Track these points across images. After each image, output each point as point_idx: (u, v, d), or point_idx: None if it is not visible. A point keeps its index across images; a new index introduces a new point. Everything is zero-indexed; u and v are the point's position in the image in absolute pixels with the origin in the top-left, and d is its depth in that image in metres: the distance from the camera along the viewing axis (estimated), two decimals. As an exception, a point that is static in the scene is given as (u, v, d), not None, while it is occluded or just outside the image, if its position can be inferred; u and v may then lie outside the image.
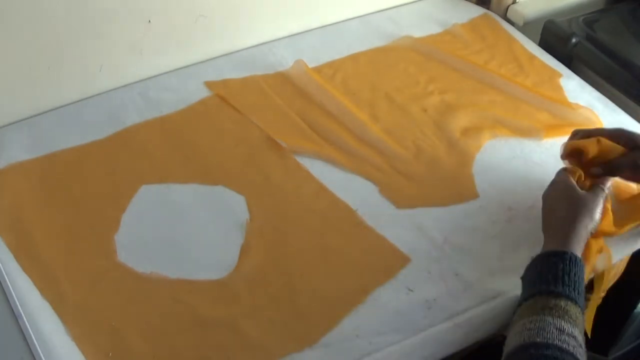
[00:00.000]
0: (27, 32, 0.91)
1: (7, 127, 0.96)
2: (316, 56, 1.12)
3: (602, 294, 0.85)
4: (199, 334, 0.72)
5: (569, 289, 0.67)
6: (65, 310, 0.73)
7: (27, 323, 0.70)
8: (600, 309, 1.06)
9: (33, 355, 0.68)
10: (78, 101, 1.02)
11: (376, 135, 0.97)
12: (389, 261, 0.80)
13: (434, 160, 0.94)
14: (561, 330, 0.62)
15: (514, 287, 0.78)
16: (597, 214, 0.77)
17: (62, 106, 1.00)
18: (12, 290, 0.74)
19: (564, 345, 0.61)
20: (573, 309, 0.65)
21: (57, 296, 0.75)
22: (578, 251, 0.72)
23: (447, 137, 0.98)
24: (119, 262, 0.79)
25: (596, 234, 0.80)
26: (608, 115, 1.04)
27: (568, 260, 0.69)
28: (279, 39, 1.17)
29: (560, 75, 1.12)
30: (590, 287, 0.98)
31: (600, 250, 0.81)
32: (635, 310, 1.19)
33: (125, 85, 1.05)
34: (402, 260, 0.80)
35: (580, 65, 1.16)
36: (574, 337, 0.63)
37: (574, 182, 0.79)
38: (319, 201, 0.88)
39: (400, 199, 0.88)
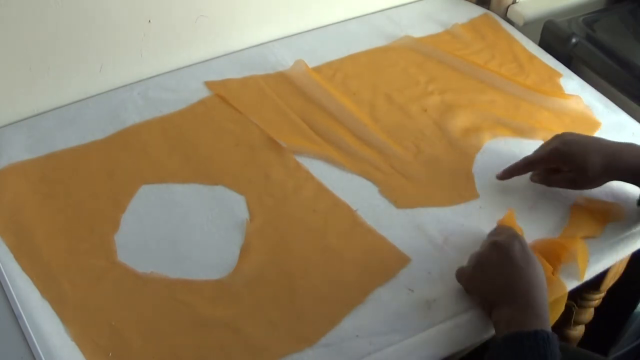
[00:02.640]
0: (27, 32, 0.91)
1: (7, 127, 0.96)
2: (316, 56, 1.12)
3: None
4: (199, 334, 0.72)
5: None
6: (65, 310, 0.73)
7: (27, 323, 0.70)
8: (600, 309, 1.06)
9: (33, 355, 0.68)
10: (78, 101, 1.01)
11: (376, 135, 0.97)
12: (389, 261, 0.80)
13: (434, 160, 0.94)
14: None
15: (514, 287, 0.78)
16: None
17: (62, 106, 1.00)
18: (12, 290, 0.74)
19: None
20: None
21: (57, 296, 0.75)
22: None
23: (447, 137, 0.98)
24: (119, 262, 0.79)
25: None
26: (608, 115, 1.04)
27: (554, 342, 0.65)
28: (279, 39, 1.17)
29: (560, 75, 1.12)
30: (591, 287, 0.99)
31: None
32: (635, 310, 1.19)
33: (125, 85, 1.05)
34: (402, 260, 0.80)
35: (580, 65, 1.16)
36: None
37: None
38: (319, 201, 0.88)
39: (400, 199, 0.88)
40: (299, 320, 0.73)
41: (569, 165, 0.82)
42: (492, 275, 0.71)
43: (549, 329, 0.66)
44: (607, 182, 0.84)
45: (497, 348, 0.65)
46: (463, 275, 0.76)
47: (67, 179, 0.89)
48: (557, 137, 0.85)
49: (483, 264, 0.73)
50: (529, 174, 0.90)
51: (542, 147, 0.87)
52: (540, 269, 0.72)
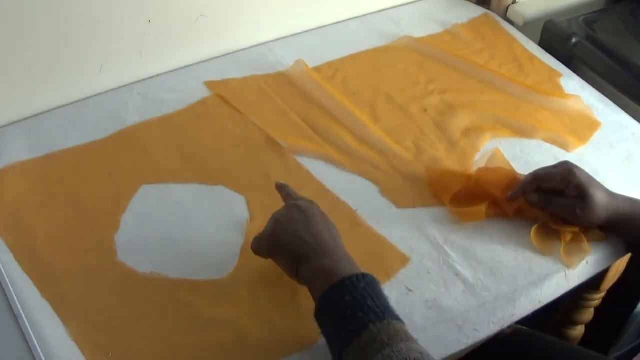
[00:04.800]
0: (27, 32, 0.91)
1: (7, 127, 0.96)
2: (316, 56, 1.12)
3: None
4: (199, 334, 0.72)
5: (385, 309, 0.62)
6: (65, 310, 0.73)
7: (27, 323, 0.70)
8: (600, 309, 1.06)
9: (33, 355, 0.68)
10: (78, 101, 1.01)
11: (376, 135, 0.97)
12: (389, 261, 0.80)
13: (434, 160, 0.94)
14: (421, 353, 0.58)
15: (514, 287, 0.78)
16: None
17: (62, 106, 1.00)
18: (12, 290, 0.74)
19: None
20: (402, 326, 0.61)
21: (57, 296, 0.75)
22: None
23: (447, 137, 0.98)
24: (119, 262, 0.79)
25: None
26: (608, 115, 1.04)
27: (370, 281, 0.64)
28: (279, 39, 1.17)
29: (560, 75, 1.12)
30: (591, 287, 0.99)
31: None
32: (635, 310, 1.19)
33: (125, 85, 1.05)
34: (402, 260, 0.80)
35: (580, 65, 1.17)
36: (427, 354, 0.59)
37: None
38: (319, 201, 0.87)
39: (400, 199, 0.88)
40: (299, 320, 0.73)
41: (574, 189, 0.79)
42: (297, 231, 0.70)
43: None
44: (602, 223, 0.81)
45: (328, 295, 0.63)
46: (262, 240, 0.73)
47: (67, 179, 0.89)
48: (567, 162, 0.83)
49: (285, 223, 0.72)
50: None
51: (551, 166, 0.83)
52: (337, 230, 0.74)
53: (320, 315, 0.64)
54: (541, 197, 0.82)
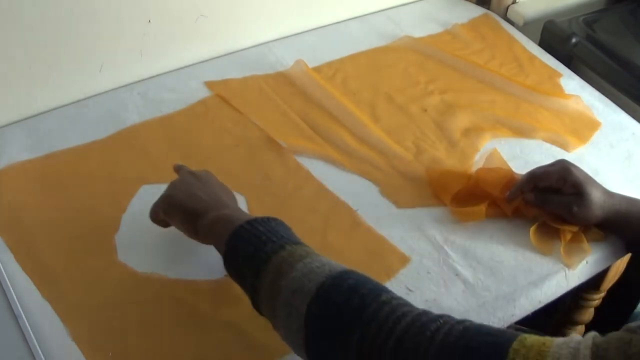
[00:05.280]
0: (27, 32, 0.91)
1: (7, 127, 0.96)
2: (316, 56, 1.12)
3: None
4: (199, 334, 0.72)
5: (299, 240, 0.64)
6: (65, 310, 0.73)
7: (27, 323, 0.70)
8: (600, 309, 1.06)
9: (33, 355, 0.68)
10: (78, 101, 1.01)
11: (376, 135, 0.97)
12: (389, 261, 0.80)
13: (434, 160, 0.94)
14: (339, 264, 0.59)
15: (514, 287, 0.78)
16: None
17: (62, 106, 1.00)
18: (12, 290, 0.74)
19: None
20: (312, 250, 0.62)
21: (57, 296, 0.74)
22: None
23: (447, 137, 0.98)
24: (119, 262, 0.79)
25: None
26: (608, 115, 1.04)
27: (280, 222, 0.66)
28: (279, 39, 1.17)
29: (560, 75, 1.12)
30: (591, 287, 0.99)
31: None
32: (635, 310, 1.19)
33: (125, 85, 1.05)
34: (402, 260, 0.80)
35: (580, 65, 1.17)
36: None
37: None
38: (319, 201, 0.88)
39: (400, 199, 0.88)
40: (299, 320, 0.73)
41: (571, 187, 0.79)
42: (192, 190, 0.71)
43: None
44: (600, 221, 0.81)
45: (240, 230, 0.63)
46: (157, 204, 0.74)
47: (67, 179, 0.89)
48: (564, 160, 0.83)
49: (180, 184, 0.73)
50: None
51: (547, 164, 0.83)
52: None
53: (232, 250, 0.63)
54: (538, 196, 0.82)
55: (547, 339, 0.49)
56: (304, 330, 0.56)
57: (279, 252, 0.60)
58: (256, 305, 0.63)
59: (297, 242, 0.63)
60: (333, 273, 0.57)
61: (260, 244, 0.61)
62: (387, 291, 0.56)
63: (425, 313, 0.54)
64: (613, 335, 0.48)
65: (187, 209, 0.70)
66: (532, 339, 0.49)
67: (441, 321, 0.53)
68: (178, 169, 0.81)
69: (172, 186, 0.74)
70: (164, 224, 0.76)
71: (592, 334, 0.49)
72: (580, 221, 0.81)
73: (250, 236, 0.62)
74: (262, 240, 0.61)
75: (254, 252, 0.61)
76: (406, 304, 0.56)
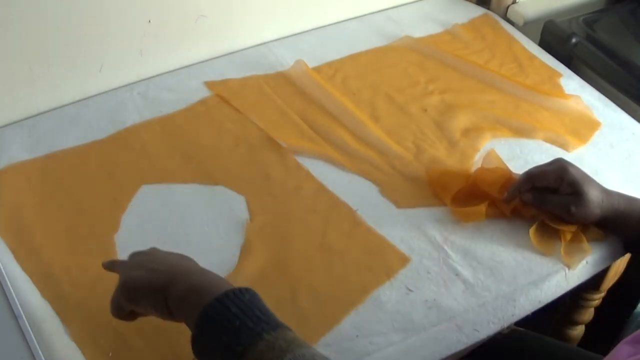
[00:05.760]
0: (27, 32, 0.91)
1: (7, 127, 0.96)
2: (316, 56, 1.12)
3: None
4: (199, 334, 0.72)
5: (275, 320, 0.56)
6: (65, 310, 0.73)
7: (27, 323, 0.70)
8: (600, 309, 1.06)
9: (33, 355, 0.68)
10: (78, 101, 1.01)
11: (376, 135, 0.97)
12: (389, 261, 0.80)
13: (434, 160, 0.94)
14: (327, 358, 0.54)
15: (514, 287, 0.78)
16: None
17: (62, 106, 1.00)
18: (12, 290, 0.74)
19: None
20: (296, 335, 0.56)
21: (57, 296, 0.75)
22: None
23: (447, 137, 0.98)
24: (119, 262, 0.79)
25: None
26: (608, 115, 1.04)
27: (253, 294, 0.58)
28: (279, 39, 1.17)
29: (560, 75, 1.12)
30: (591, 287, 0.99)
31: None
32: (635, 310, 1.19)
33: (125, 85, 1.05)
34: (402, 260, 0.80)
35: (580, 65, 1.16)
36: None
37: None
38: (319, 201, 0.88)
39: (400, 199, 0.88)
40: (299, 320, 0.73)
41: (568, 186, 0.79)
42: (149, 265, 0.62)
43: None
44: (598, 220, 0.80)
45: (211, 310, 0.56)
46: (115, 296, 0.64)
47: (67, 179, 0.89)
48: (561, 159, 0.82)
49: (131, 268, 0.63)
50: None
51: (544, 164, 0.83)
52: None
53: (202, 333, 0.56)
54: (535, 196, 0.82)
55: None
56: None
57: (256, 343, 0.53)
58: None
59: (275, 327, 0.55)
60: None
61: (234, 331, 0.54)
62: None
63: None
64: None
65: (150, 285, 0.60)
66: None
67: None
68: (113, 263, 0.70)
69: (124, 271, 0.64)
70: (131, 316, 0.65)
71: None
72: (578, 220, 0.81)
73: (222, 320, 0.55)
74: (236, 326, 0.54)
75: (227, 341, 0.54)
76: None
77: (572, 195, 0.79)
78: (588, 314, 1.05)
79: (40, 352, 0.68)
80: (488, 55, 1.16)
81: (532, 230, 0.82)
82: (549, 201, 0.81)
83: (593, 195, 0.78)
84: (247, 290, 0.58)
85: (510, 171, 0.86)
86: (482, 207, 0.84)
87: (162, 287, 0.59)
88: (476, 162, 0.93)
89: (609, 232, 0.83)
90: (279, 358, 0.52)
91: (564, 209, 0.80)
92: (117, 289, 0.64)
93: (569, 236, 0.81)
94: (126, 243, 0.81)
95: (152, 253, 0.66)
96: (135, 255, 0.67)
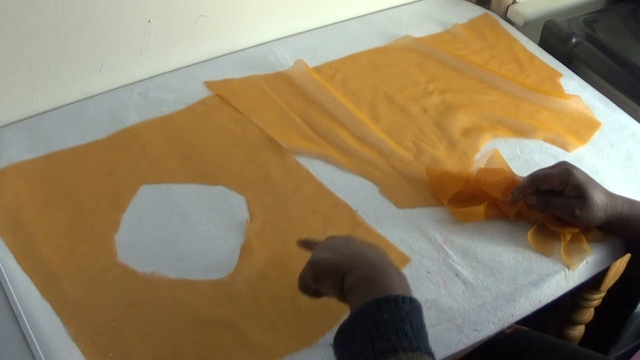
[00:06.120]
0: (27, 32, 0.91)
1: (7, 127, 0.96)
2: (316, 56, 1.12)
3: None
4: (199, 334, 0.72)
5: (421, 341, 0.56)
6: (65, 310, 0.73)
7: (27, 323, 0.70)
8: (600, 309, 1.06)
9: (33, 355, 0.68)
10: (78, 101, 1.01)
11: (376, 135, 0.97)
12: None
13: (434, 160, 0.94)
14: None
15: (514, 287, 0.78)
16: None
17: (62, 106, 1.00)
18: (12, 290, 0.74)
19: None
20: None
21: (57, 296, 0.75)
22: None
23: (447, 137, 0.98)
24: (119, 262, 0.79)
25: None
26: (608, 115, 1.04)
27: (415, 307, 0.59)
28: (279, 39, 1.17)
29: (560, 75, 1.12)
30: (591, 287, 0.99)
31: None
32: (635, 310, 1.20)
33: (125, 85, 1.05)
34: (402, 260, 0.80)
35: (580, 65, 1.17)
36: None
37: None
38: (319, 201, 0.88)
39: (400, 199, 0.88)
40: (299, 320, 0.73)
41: (573, 190, 0.78)
42: (338, 249, 0.66)
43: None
44: (602, 223, 0.80)
45: (367, 308, 0.57)
46: (304, 272, 0.68)
47: (67, 179, 0.89)
48: (565, 162, 0.82)
49: (324, 248, 0.68)
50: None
51: (549, 167, 0.83)
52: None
53: (349, 325, 0.58)
54: (540, 199, 0.82)
55: None
56: None
57: (388, 357, 0.53)
58: None
59: (416, 348, 0.55)
60: None
61: (375, 337, 0.55)
62: None
63: None
64: None
65: (333, 267, 0.64)
66: None
67: None
68: (309, 242, 0.74)
69: (317, 252, 0.68)
70: (315, 293, 0.68)
71: None
72: (582, 224, 0.81)
73: (371, 323, 0.56)
74: (380, 333, 0.55)
75: (364, 343, 0.55)
76: None
77: (576, 198, 0.79)
78: (588, 314, 1.05)
79: (40, 352, 0.68)
80: (488, 55, 1.16)
81: (530, 233, 0.82)
82: (554, 204, 0.81)
83: (598, 198, 0.78)
84: (411, 301, 0.58)
85: (513, 173, 0.86)
86: (481, 207, 0.84)
87: (343, 271, 0.62)
88: (477, 161, 0.93)
89: (612, 235, 0.83)
90: None
91: (568, 212, 0.80)
92: (306, 266, 0.67)
93: (569, 237, 0.81)
94: (126, 243, 0.81)
95: (347, 239, 0.70)
96: (330, 239, 0.71)
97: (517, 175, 0.85)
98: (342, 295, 0.63)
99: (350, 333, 0.57)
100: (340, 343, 0.58)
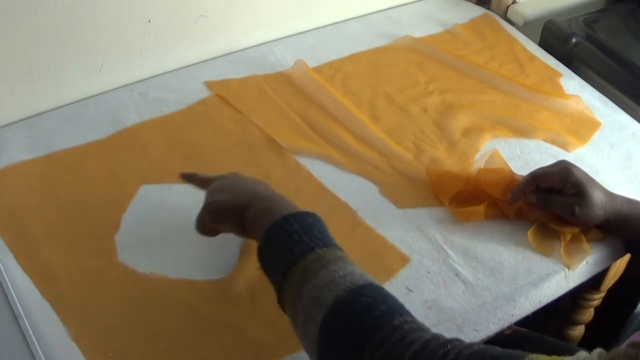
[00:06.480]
0: (27, 32, 0.91)
1: (7, 127, 0.96)
2: (316, 56, 1.12)
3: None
4: (199, 334, 0.72)
5: (331, 240, 0.64)
6: (65, 310, 0.73)
7: (27, 323, 0.70)
8: (600, 309, 1.06)
9: (33, 355, 0.68)
10: (78, 101, 1.01)
11: (376, 135, 0.97)
12: (389, 261, 0.80)
13: (434, 160, 0.94)
14: (362, 274, 0.60)
15: (514, 287, 0.78)
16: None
17: (62, 106, 1.00)
18: (12, 290, 0.74)
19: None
20: (342, 252, 0.63)
21: (57, 296, 0.75)
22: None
23: (447, 137, 0.98)
24: (119, 262, 0.79)
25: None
26: (608, 115, 1.04)
27: (317, 218, 0.66)
28: (279, 39, 1.17)
29: (560, 75, 1.12)
30: (591, 287, 0.99)
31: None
32: (635, 310, 1.19)
33: (125, 85, 1.05)
34: (402, 260, 0.80)
35: (580, 65, 1.17)
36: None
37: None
38: (319, 201, 0.87)
39: (400, 199, 0.88)
40: (299, 320, 0.73)
41: (572, 188, 0.79)
42: (232, 189, 0.72)
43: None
44: (601, 222, 0.80)
45: (276, 225, 0.64)
46: (200, 215, 0.73)
47: (67, 179, 0.89)
48: (565, 161, 0.82)
49: (217, 190, 0.73)
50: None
51: (548, 165, 0.83)
52: None
53: (266, 244, 0.64)
54: (539, 197, 0.82)
55: (555, 357, 0.49)
56: (317, 340, 0.56)
57: (307, 255, 0.61)
58: (281, 303, 0.63)
59: (329, 244, 0.63)
60: (352, 286, 0.57)
61: (292, 243, 0.62)
62: (401, 313, 0.56)
63: (435, 339, 0.53)
64: (618, 351, 0.48)
65: (232, 207, 0.70)
66: (540, 358, 0.49)
67: (449, 347, 0.52)
68: (194, 179, 0.80)
69: (211, 192, 0.74)
70: (213, 232, 0.74)
71: (598, 350, 0.49)
72: (582, 222, 0.81)
73: (284, 233, 0.63)
74: (294, 240, 0.62)
75: (285, 251, 0.62)
76: (418, 328, 0.55)
77: (576, 196, 0.79)
78: (588, 314, 1.05)
79: (40, 352, 0.68)
80: (488, 55, 1.16)
81: (530, 232, 0.82)
82: (553, 202, 0.81)
83: (597, 197, 0.78)
84: (312, 214, 0.66)
85: (512, 172, 0.86)
86: (481, 207, 0.84)
87: (242, 209, 0.69)
88: (476, 161, 0.93)
89: (611, 234, 0.83)
90: (325, 268, 0.59)
91: (568, 210, 0.80)
92: (202, 209, 0.73)
93: (569, 237, 0.81)
94: (126, 243, 0.81)
95: (234, 178, 0.76)
96: (219, 179, 0.76)
97: (516, 174, 0.85)
98: (243, 230, 0.70)
99: (270, 247, 0.64)
100: (263, 259, 0.65)
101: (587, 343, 1.07)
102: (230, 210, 0.70)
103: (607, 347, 0.54)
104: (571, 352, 0.57)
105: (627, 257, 0.91)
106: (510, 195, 0.83)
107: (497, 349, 0.53)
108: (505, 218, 0.85)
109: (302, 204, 0.86)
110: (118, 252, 0.80)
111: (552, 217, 0.83)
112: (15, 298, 0.73)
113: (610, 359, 0.48)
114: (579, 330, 1.08)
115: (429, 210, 0.87)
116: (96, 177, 0.89)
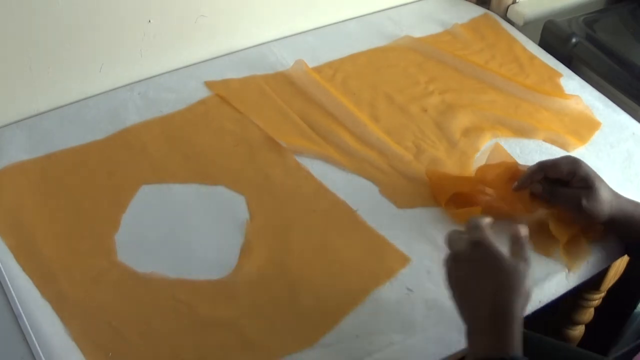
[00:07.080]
0: (27, 32, 0.91)
1: (7, 127, 0.96)
2: (316, 56, 1.12)
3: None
4: (199, 334, 0.72)
5: None
6: (65, 310, 0.73)
7: (27, 323, 0.70)
8: (600, 309, 1.06)
9: (33, 355, 0.68)
10: (78, 101, 1.01)
11: (376, 135, 0.97)
12: (389, 261, 0.80)
13: (434, 160, 0.94)
14: None
15: (514, 287, 0.78)
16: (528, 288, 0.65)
17: (62, 106, 1.00)
18: (12, 290, 0.74)
19: None
20: None
21: (57, 296, 0.75)
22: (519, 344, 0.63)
23: (447, 137, 0.98)
24: (119, 262, 0.79)
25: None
26: (608, 115, 1.04)
27: None
28: (279, 39, 1.17)
29: (560, 75, 1.12)
30: (591, 287, 0.99)
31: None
32: (635, 310, 1.19)
33: (125, 85, 1.04)
34: (402, 260, 0.80)
35: (580, 65, 1.17)
36: None
37: (497, 248, 0.67)
38: (319, 201, 0.88)
39: (400, 199, 0.88)
40: (299, 320, 0.73)
41: (580, 181, 0.78)
42: (475, 295, 0.65)
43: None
44: (605, 219, 0.79)
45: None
46: (453, 273, 0.68)
47: (67, 178, 0.89)
48: (572, 155, 0.82)
49: (458, 276, 0.67)
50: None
51: (557, 158, 0.82)
52: None
53: None
54: (546, 187, 0.80)
55: None
56: None
57: None
58: None
59: None
60: None
61: None
62: None
63: None
64: None
65: (459, 306, 0.66)
66: None
67: None
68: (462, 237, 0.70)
69: (453, 269, 0.67)
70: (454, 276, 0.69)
71: None
72: (587, 217, 0.79)
73: None
74: None
75: None
76: None
77: (584, 189, 0.78)
78: (588, 314, 1.05)
79: (40, 352, 0.68)
80: (488, 55, 1.16)
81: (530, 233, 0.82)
82: (560, 194, 0.80)
83: (604, 192, 0.78)
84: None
85: (516, 163, 0.85)
86: (478, 209, 0.84)
87: (463, 317, 0.65)
88: (477, 161, 0.93)
89: (613, 234, 0.82)
90: None
91: (575, 203, 0.78)
92: (459, 272, 0.67)
93: (566, 237, 0.81)
94: (126, 243, 0.81)
95: (476, 268, 0.66)
96: (469, 261, 0.67)
97: (520, 165, 0.84)
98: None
99: None
100: None
101: (587, 343, 1.07)
102: (457, 305, 0.66)
103: (607, 347, 0.54)
104: (571, 354, 0.56)
105: (627, 257, 0.91)
106: (516, 183, 0.82)
107: None
108: (506, 218, 0.85)
109: (302, 203, 0.87)
110: (118, 252, 0.80)
111: (552, 217, 0.82)
112: (15, 298, 0.73)
113: None
114: (579, 330, 1.08)
115: (429, 210, 0.87)
116: (96, 178, 0.89)
